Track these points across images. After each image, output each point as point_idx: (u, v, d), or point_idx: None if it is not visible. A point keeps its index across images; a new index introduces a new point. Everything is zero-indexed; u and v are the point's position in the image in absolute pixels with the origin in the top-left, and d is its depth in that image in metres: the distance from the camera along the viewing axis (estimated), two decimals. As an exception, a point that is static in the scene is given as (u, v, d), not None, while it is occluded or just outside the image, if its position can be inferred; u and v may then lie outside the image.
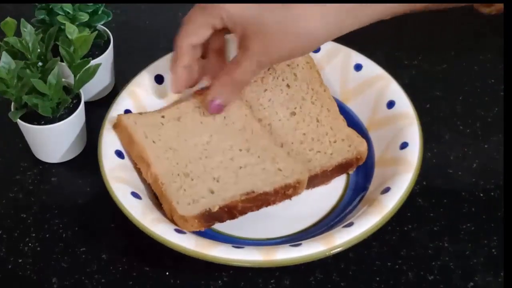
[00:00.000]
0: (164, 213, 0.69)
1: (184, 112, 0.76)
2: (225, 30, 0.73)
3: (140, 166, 0.72)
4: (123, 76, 0.84)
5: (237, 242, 0.68)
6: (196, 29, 0.72)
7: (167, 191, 0.69)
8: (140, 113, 0.75)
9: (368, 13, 0.68)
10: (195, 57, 0.74)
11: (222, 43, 0.76)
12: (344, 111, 0.78)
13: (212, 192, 0.69)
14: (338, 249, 0.64)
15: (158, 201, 0.71)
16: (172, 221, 0.68)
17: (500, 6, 0.71)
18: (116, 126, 0.74)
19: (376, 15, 0.69)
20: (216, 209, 0.67)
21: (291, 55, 0.71)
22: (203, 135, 0.74)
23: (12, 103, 0.75)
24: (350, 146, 0.74)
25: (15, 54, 0.73)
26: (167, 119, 0.75)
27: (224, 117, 0.75)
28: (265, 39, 0.68)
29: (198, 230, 0.67)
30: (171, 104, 0.78)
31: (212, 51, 0.75)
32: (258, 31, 0.68)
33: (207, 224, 0.68)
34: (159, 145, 0.72)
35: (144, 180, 0.72)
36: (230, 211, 0.68)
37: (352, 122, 0.78)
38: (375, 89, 0.77)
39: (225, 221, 0.68)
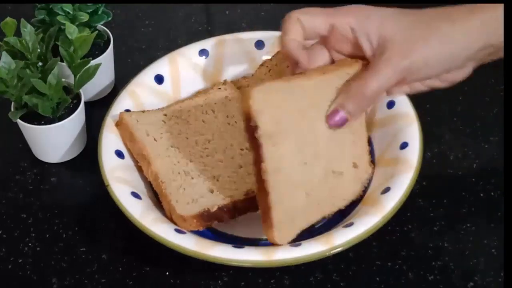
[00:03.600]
0: (164, 213, 0.69)
1: (186, 110, 0.76)
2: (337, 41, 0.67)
3: (141, 163, 0.72)
4: (123, 76, 0.84)
5: (237, 242, 0.68)
6: (315, 12, 0.67)
7: (167, 190, 0.69)
8: (143, 111, 0.75)
9: None
10: (301, 38, 0.67)
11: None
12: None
13: (212, 192, 0.69)
14: (338, 249, 0.64)
15: (158, 200, 0.71)
16: (171, 219, 0.68)
17: None
18: (118, 124, 0.74)
19: None
20: (215, 209, 0.67)
21: (429, 62, 0.64)
22: (205, 134, 0.74)
23: (12, 103, 0.75)
24: None
25: (15, 54, 0.73)
26: (169, 118, 0.75)
27: (227, 116, 0.75)
28: (401, 43, 0.63)
29: (196, 229, 0.67)
30: (173, 103, 0.78)
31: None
32: (393, 33, 0.63)
33: (206, 224, 0.68)
34: (160, 143, 0.72)
35: (144, 179, 0.73)
36: (229, 211, 0.68)
37: (352, 122, 0.77)
38: (375, 89, 0.77)
39: (224, 221, 0.68)
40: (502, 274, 0.68)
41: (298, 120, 0.64)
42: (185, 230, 0.66)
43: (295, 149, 0.64)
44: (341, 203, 0.69)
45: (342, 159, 0.69)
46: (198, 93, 0.79)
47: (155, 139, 0.73)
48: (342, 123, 0.66)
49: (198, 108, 0.76)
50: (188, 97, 0.79)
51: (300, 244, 0.64)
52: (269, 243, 0.68)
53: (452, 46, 0.64)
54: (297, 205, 0.65)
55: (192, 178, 0.70)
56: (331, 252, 0.64)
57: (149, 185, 0.72)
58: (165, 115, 0.76)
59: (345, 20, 0.66)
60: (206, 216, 0.67)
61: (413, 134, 0.72)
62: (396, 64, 0.63)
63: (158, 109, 0.77)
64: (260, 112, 0.61)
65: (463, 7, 0.65)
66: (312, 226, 0.70)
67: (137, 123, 0.73)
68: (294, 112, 0.64)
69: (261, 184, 0.63)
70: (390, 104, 0.75)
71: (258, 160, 0.62)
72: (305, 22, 0.67)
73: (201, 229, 0.67)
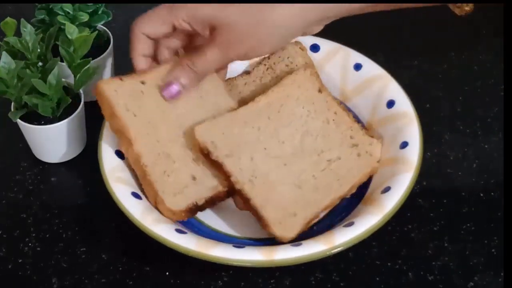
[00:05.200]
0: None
1: (163, 77, 0.73)
2: (186, 32, 0.73)
3: (119, 140, 0.71)
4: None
5: (238, 242, 0.68)
6: (153, 20, 0.72)
7: (151, 177, 0.68)
8: (121, 79, 0.72)
9: (332, 9, 0.70)
10: (150, 49, 0.73)
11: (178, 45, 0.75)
12: (344, 111, 0.78)
13: (194, 179, 0.69)
14: (339, 249, 0.64)
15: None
16: (154, 205, 0.68)
17: (470, 8, 0.72)
18: (96, 93, 0.72)
19: (340, 11, 0.70)
20: (202, 202, 0.68)
21: (259, 50, 0.71)
22: (180, 107, 0.73)
23: (12, 103, 0.75)
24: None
25: (15, 54, 0.73)
26: (148, 86, 0.73)
27: (201, 92, 0.74)
28: (232, 33, 0.69)
29: (181, 220, 0.68)
30: (152, 68, 0.75)
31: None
32: (225, 24, 0.69)
33: (192, 215, 0.69)
34: (139, 119, 0.70)
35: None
36: (212, 201, 0.69)
37: (352, 122, 0.78)
38: (375, 88, 0.77)
39: (205, 209, 0.69)
40: (502, 274, 0.68)
41: (252, 137, 0.71)
42: (185, 230, 0.67)
43: (264, 158, 0.70)
44: (354, 180, 0.70)
45: (333, 145, 0.72)
46: (175, 58, 0.77)
47: (134, 115, 0.71)
48: (176, 95, 0.72)
49: None
50: (166, 65, 0.75)
51: (300, 244, 0.64)
52: (269, 243, 0.68)
53: (279, 32, 0.70)
54: (289, 199, 0.68)
55: (174, 162, 0.70)
56: (332, 251, 0.64)
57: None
58: (143, 83, 0.73)
59: (180, 16, 0.71)
60: (194, 209, 0.68)
61: (413, 133, 0.72)
62: (225, 53, 0.70)
63: (137, 75, 0.73)
64: (206, 143, 0.69)
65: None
66: (330, 210, 0.70)
67: (116, 94, 0.71)
68: (243, 133, 0.71)
69: (240, 194, 0.68)
70: (390, 104, 0.76)
71: (226, 176, 0.68)
72: (150, 32, 0.72)
73: (185, 219, 0.68)
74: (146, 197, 0.69)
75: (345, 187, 0.70)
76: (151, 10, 0.72)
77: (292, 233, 0.66)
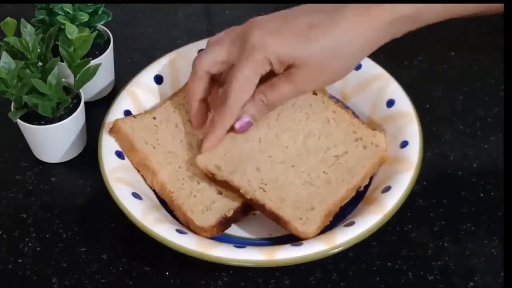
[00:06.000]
0: (165, 214, 0.69)
1: (171, 111, 0.76)
2: None
3: (143, 173, 0.72)
4: (123, 76, 0.84)
5: (238, 242, 0.68)
6: (248, 83, 0.69)
7: (178, 201, 0.69)
8: (134, 116, 0.75)
9: (410, 26, 0.71)
10: (204, 93, 0.73)
11: None
12: (344, 111, 0.78)
13: (221, 193, 0.69)
14: (340, 248, 0.64)
15: (159, 200, 0.71)
16: (187, 227, 0.68)
17: None
18: (113, 131, 0.73)
19: (420, 24, 0.71)
20: (231, 213, 0.68)
21: (335, 79, 0.71)
22: (195, 133, 0.74)
23: (12, 103, 0.75)
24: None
25: (15, 54, 0.73)
26: (159, 121, 0.75)
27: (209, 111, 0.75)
28: (310, 69, 0.68)
29: (216, 235, 0.68)
30: (159, 104, 0.78)
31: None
32: (304, 63, 0.68)
33: (225, 228, 0.69)
34: (159, 151, 0.72)
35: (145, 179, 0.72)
36: (243, 210, 0.69)
37: (352, 122, 0.78)
38: (375, 88, 0.77)
39: (239, 221, 0.69)
40: (502, 274, 0.68)
41: (254, 150, 0.71)
42: (186, 230, 0.67)
43: (270, 165, 0.70)
44: (365, 170, 0.70)
45: (338, 142, 0.72)
46: (179, 91, 0.78)
47: (154, 147, 0.72)
48: (247, 127, 0.72)
49: (181, 108, 0.76)
50: (169, 97, 0.78)
51: (301, 244, 0.64)
52: (270, 243, 0.68)
53: (353, 63, 0.71)
54: (303, 196, 0.68)
55: (198, 182, 0.70)
56: (333, 251, 0.64)
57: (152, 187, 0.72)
58: (155, 118, 0.75)
59: (264, 60, 0.68)
60: (224, 221, 0.68)
61: (413, 132, 0.72)
62: (301, 89, 0.70)
63: (147, 112, 0.76)
64: (208, 166, 0.69)
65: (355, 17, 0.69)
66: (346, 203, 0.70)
67: (133, 131, 0.73)
68: (244, 148, 0.71)
69: (253, 203, 0.68)
70: (390, 103, 0.76)
71: (235, 191, 0.68)
72: (212, 69, 0.72)
73: (220, 234, 0.68)
74: (181, 223, 0.69)
75: (357, 177, 0.70)
76: (236, 75, 0.69)
77: (313, 226, 0.66)
